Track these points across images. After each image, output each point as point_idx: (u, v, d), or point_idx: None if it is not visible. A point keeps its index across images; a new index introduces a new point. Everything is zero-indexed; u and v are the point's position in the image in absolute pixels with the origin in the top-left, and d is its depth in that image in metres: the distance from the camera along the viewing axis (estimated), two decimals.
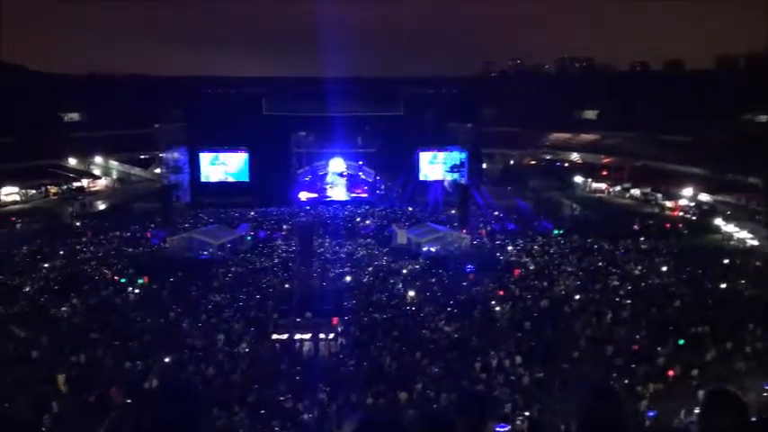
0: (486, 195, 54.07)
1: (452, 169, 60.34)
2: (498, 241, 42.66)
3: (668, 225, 47.65)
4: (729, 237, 43.31)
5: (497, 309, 27.56)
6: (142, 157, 74.75)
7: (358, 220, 51.16)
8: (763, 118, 64.63)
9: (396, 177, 60.97)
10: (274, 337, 24.03)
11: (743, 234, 42.63)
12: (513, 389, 19.22)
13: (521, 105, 73.90)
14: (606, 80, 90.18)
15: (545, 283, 31.57)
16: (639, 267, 34.83)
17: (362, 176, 65.03)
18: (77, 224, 49.27)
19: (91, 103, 72.14)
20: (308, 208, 57.85)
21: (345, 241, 42.71)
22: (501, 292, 29.94)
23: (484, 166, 67.19)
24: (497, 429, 14.08)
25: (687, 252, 38.22)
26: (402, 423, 2.88)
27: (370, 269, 35.38)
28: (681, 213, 52.91)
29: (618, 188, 64.38)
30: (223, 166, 61.61)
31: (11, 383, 19.34)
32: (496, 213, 51.24)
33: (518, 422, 16.52)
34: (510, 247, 40.53)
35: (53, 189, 62.68)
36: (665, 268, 34.47)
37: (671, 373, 20.35)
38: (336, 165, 63.90)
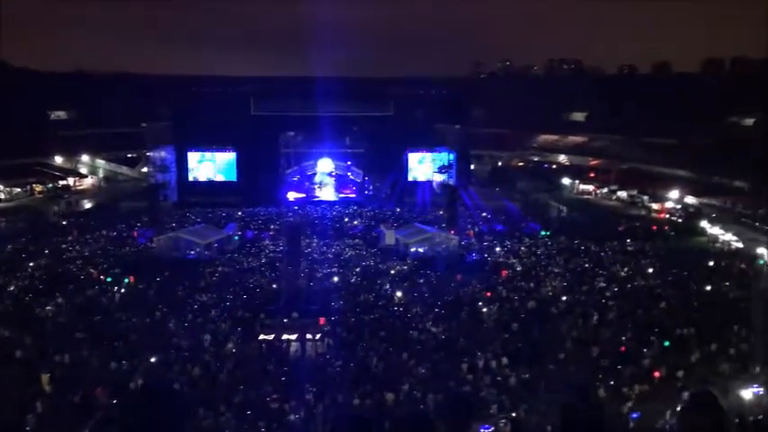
0: (475, 196, 54.18)
1: (441, 170, 60.43)
2: (486, 242, 42.73)
3: (654, 227, 48.01)
4: (715, 239, 43.67)
5: (484, 310, 27.59)
6: (129, 155, 74.44)
7: (346, 220, 51.11)
8: (748, 121, 65.23)
9: (384, 178, 60.95)
10: (261, 337, 23.94)
11: (728, 236, 43.00)
12: (499, 390, 19.25)
13: (509, 107, 74.27)
14: (594, 82, 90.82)
15: (532, 285, 31.66)
16: (626, 269, 35.02)
17: (351, 177, 65.02)
18: (63, 223, 48.91)
19: (78, 101, 71.69)
20: (295, 208, 57.71)
21: (333, 242, 42.62)
22: (488, 294, 29.99)
23: (472, 167, 67.36)
24: (481, 430, 14.09)
25: (673, 254, 38.51)
26: (382, 422, 2.88)
27: (357, 270, 35.31)
28: (667, 216, 53.29)
29: (605, 190, 64.81)
30: (211, 163, 61.21)
31: None
32: (484, 214, 51.36)
33: (501, 423, 16.55)
34: (497, 249, 40.62)
35: (39, 187, 62.34)
36: (650, 270, 34.69)
37: (656, 374, 20.46)
38: (325, 165, 63.84)
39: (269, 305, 27.49)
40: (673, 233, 46.18)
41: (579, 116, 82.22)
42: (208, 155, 61.18)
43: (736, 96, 65.93)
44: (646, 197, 58.72)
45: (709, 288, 31.07)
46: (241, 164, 60.39)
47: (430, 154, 62.18)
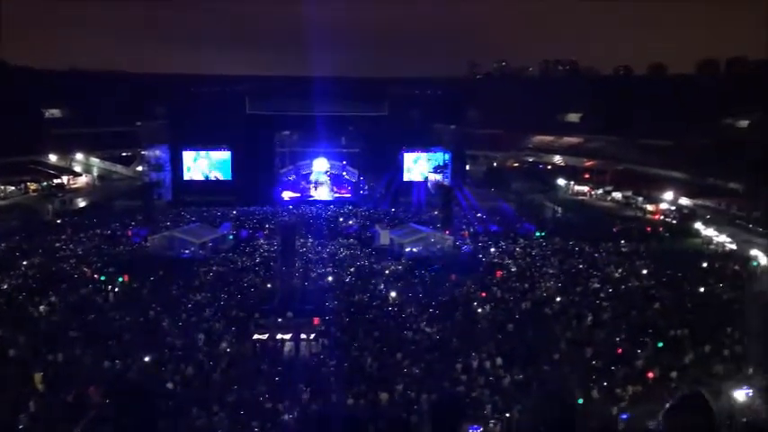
0: (470, 197, 54.21)
1: (436, 170, 60.43)
2: (481, 243, 42.75)
3: (649, 228, 48.12)
4: (709, 241, 43.79)
5: (479, 310, 27.62)
6: (124, 154, 74.25)
7: (341, 220, 51.07)
8: (743, 123, 65.44)
9: (379, 178, 60.90)
10: (255, 336, 23.89)
11: (722, 238, 43.12)
12: (493, 390, 19.27)
13: (505, 107, 74.36)
14: (590, 83, 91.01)
15: (526, 285, 31.70)
16: (620, 270, 35.09)
17: (346, 176, 65.00)
18: (57, 221, 48.71)
19: (73, 100, 71.47)
20: (290, 207, 57.68)
21: (328, 241, 42.58)
22: (483, 294, 30.01)
23: (467, 167, 67.37)
24: (470, 431, 14.09)
25: (667, 255, 38.60)
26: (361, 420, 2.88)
27: (352, 269, 35.30)
28: (661, 217, 53.45)
29: (600, 191, 64.92)
30: (206, 162, 60.99)
31: None
32: (479, 215, 51.40)
33: (491, 423, 16.56)
34: (492, 249, 40.64)
35: (33, 186, 62.14)
36: (645, 271, 34.79)
37: (650, 375, 20.52)
38: (320, 165, 63.82)
39: (263, 305, 27.42)
40: (667, 234, 46.32)
41: (574, 117, 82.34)
42: (203, 154, 60.99)
43: (731, 98, 66.16)
44: (640, 198, 58.89)
45: (703, 289, 31.18)
46: (236, 163, 60.25)
47: (425, 154, 62.15)
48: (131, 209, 52.07)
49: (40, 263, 35.28)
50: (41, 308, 27.12)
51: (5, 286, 30.44)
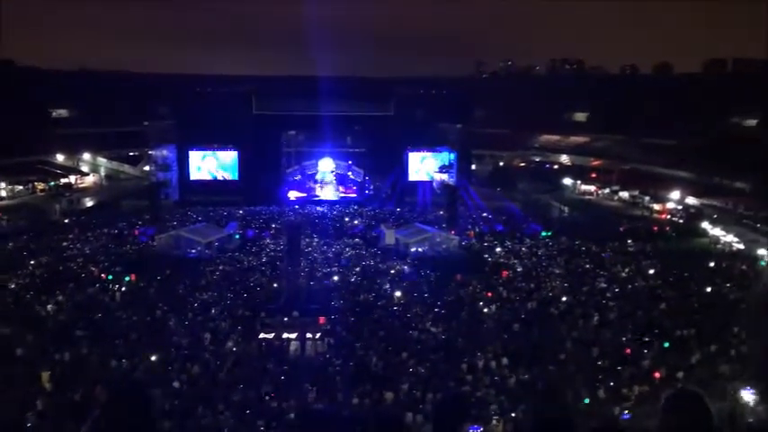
0: (475, 196, 54.15)
1: (441, 170, 60.39)
2: (486, 243, 42.71)
3: (655, 228, 47.97)
4: (716, 240, 43.63)
5: (485, 310, 27.60)
6: (131, 154, 74.53)
7: (346, 219, 51.12)
8: (750, 122, 65.18)
9: (385, 177, 60.92)
10: (261, 336, 23.95)
11: (729, 237, 42.95)
12: (498, 390, 19.26)
13: (511, 107, 74.26)
14: (596, 83, 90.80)
15: (532, 285, 31.65)
16: (626, 270, 35.01)
17: (351, 176, 65.03)
18: (64, 221, 48.94)
19: (80, 100, 71.78)
20: (296, 207, 57.78)
21: (333, 241, 42.64)
22: (489, 294, 29.98)
23: (473, 167, 67.31)
24: (470, 431, 14.07)
25: (674, 255, 38.48)
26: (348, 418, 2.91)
27: (357, 269, 35.32)
28: (668, 216, 53.27)
29: (606, 191, 64.75)
30: (213, 162, 61.13)
31: None
32: (485, 215, 51.36)
33: (494, 422, 16.56)
34: (498, 249, 40.59)
35: (40, 185, 62.40)
36: (651, 271, 34.68)
37: (657, 375, 20.47)
38: (326, 164, 63.89)
39: (269, 304, 27.51)
40: (674, 234, 46.17)
41: (581, 116, 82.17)
42: (209, 153, 61.13)
43: (738, 97, 65.90)
44: (647, 198, 58.70)
45: (709, 289, 31.07)
46: (243, 163, 60.42)
47: (431, 154, 62.13)
48: (138, 208, 52.28)
49: (47, 262, 35.46)
50: (49, 307, 27.23)
51: (13, 285, 30.58)
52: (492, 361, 21.61)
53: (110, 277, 32.20)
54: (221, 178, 61.05)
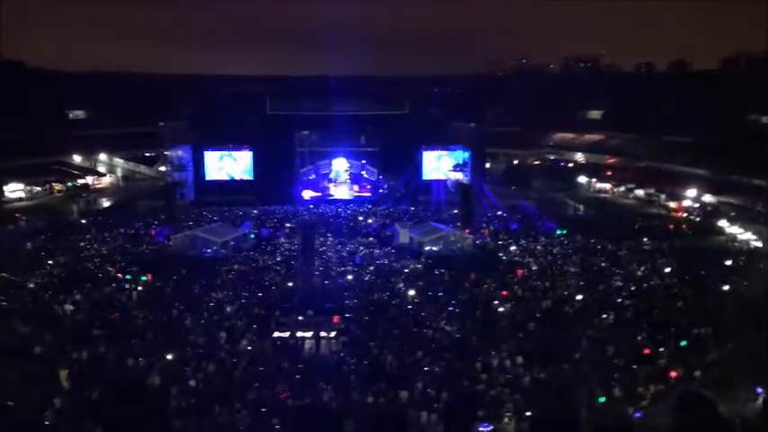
0: (490, 195, 54.03)
1: (456, 168, 60.29)
2: (501, 241, 42.59)
3: (672, 226, 47.60)
4: (733, 238, 43.23)
5: (499, 309, 27.54)
6: (147, 154, 75.10)
7: (360, 218, 51.17)
8: (767, 119, 64.45)
9: (399, 176, 60.97)
10: (276, 334, 24.06)
11: (747, 235, 42.54)
12: (512, 389, 19.22)
13: (525, 105, 73.95)
14: (611, 80, 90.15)
15: (547, 284, 31.53)
16: (642, 268, 34.77)
17: (365, 175, 65.09)
18: (82, 221, 49.42)
19: (96, 101, 72.39)
20: (311, 206, 57.95)
21: (348, 240, 42.73)
22: (503, 293, 29.91)
23: (487, 165, 67.14)
24: (480, 429, 14.06)
25: (690, 253, 38.15)
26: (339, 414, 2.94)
27: (371, 268, 35.36)
28: (684, 214, 52.86)
29: (622, 189, 64.37)
30: (230, 161, 61.41)
31: (14, 379, 19.42)
32: (499, 213, 51.24)
33: (506, 420, 16.53)
34: (513, 248, 40.47)
35: (58, 186, 63.06)
36: (667, 269, 34.41)
37: (673, 374, 20.32)
38: (339, 164, 64.01)
39: (284, 303, 27.62)
40: (690, 232, 45.80)
41: (596, 114, 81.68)
42: (226, 154, 61.43)
43: (755, 93, 65.13)
44: (663, 195, 58.31)
45: (727, 287, 30.78)
46: (257, 163, 60.71)
47: (445, 152, 62.04)
48: (154, 208, 52.65)
49: (65, 262, 35.85)
50: (66, 306, 27.54)
51: (32, 285, 30.93)
52: (507, 360, 21.58)
53: (127, 277, 32.47)
54: (239, 179, 61.35)
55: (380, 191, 62.81)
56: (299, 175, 64.32)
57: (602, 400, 18.18)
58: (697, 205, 53.58)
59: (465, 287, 31.11)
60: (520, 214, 51.20)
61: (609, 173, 68.93)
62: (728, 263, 36.02)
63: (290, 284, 30.92)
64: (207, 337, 23.81)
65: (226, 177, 61.45)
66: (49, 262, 35.58)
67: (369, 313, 26.88)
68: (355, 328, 24.97)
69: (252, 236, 43.04)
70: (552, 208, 54.56)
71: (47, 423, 16.45)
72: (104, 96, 70.02)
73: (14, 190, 58.44)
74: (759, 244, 40.77)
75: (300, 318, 24.76)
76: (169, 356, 21.48)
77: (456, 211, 52.43)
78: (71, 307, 27.51)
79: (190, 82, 77.66)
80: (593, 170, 70.32)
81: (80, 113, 76.40)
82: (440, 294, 29.90)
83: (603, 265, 35.74)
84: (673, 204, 55.57)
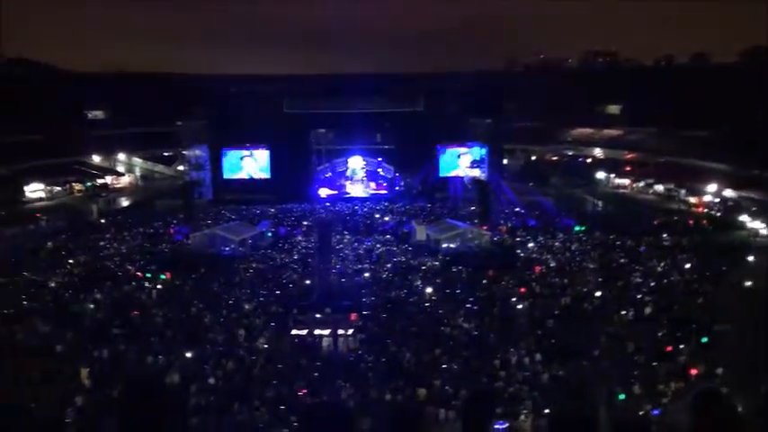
0: (507, 191, 53.73)
1: (473, 165, 60.03)
2: (519, 238, 42.34)
3: (692, 221, 47.06)
4: (755, 233, 42.64)
5: (518, 306, 27.40)
6: (165, 154, 75.67)
7: (377, 216, 51.11)
8: None
9: (415, 174, 60.86)
10: (294, 332, 24.14)
11: None
12: (531, 386, 19.13)
13: (543, 100, 73.46)
14: (630, 74, 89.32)
15: (566, 281, 31.30)
16: (662, 264, 34.40)
17: (382, 173, 65.05)
18: (101, 221, 49.89)
19: (115, 101, 73.05)
20: (327, 204, 58.04)
21: (364, 237, 42.74)
22: (521, 289, 29.74)
23: (505, 161, 66.80)
24: (496, 427, 14.01)
25: (711, 248, 37.65)
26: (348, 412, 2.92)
27: (388, 265, 35.33)
28: (705, 209, 52.25)
29: (641, 184, 63.77)
30: (251, 160, 61.58)
31: (35, 377, 19.66)
32: (517, 210, 50.96)
33: (522, 417, 16.46)
34: (531, 244, 40.23)
35: (78, 186, 63.72)
36: (687, 265, 34.03)
37: (693, 371, 20.10)
38: (356, 162, 64.01)
39: (302, 300, 27.69)
40: (711, 227, 45.23)
41: (614, 109, 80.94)
42: (246, 153, 61.66)
43: None
44: (683, 191, 57.66)
45: (749, 283, 30.38)
46: (274, 161, 60.90)
47: (462, 149, 61.81)
48: (173, 208, 53.01)
49: (85, 261, 36.23)
50: (87, 305, 27.82)
51: (53, 284, 31.29)
52: (525, 357, 21.48)
53: (146, 275, 32.74)
54: (256, 177, 61.58)
55: (397, 188, 62.73)
56: (316, 173, 64.44)
57: (622, 397, 18.04)
58: (717, 200, 52.92)
59: (483, 284, 30.99)
60: (538, 211, 50.85)
61: (628, 168, 68.28)
62: (750, 258, 35.56)
63: (308, 282, 30.99)
64: (226, 335, 23.95)
65: (244, 176, 61.69)
66: (70, 261, 35.97)
67: (386, 311, 26.87)
68: (373, 326, 24.98)
69: (269, 234, 43.20)
70: (570, 204, 54.09)
71: (68, 421, 16.63)
72: (123, 96, 70.66)
73: (35, 190, 59.14)
74: None
75: (318, 315, 24.82)
76: (188, 354, 21.64)
77: (473, 208, 52.17)
78: (91, 305, 27.80)
79: (207, 82, 78.09)
80: (611, 166, 69.71)
81: (99, 114, 77.21)
82: (457, 291, 29.82)
83: (623, 261, 35.41)
84: (693, 200, 54.93)
